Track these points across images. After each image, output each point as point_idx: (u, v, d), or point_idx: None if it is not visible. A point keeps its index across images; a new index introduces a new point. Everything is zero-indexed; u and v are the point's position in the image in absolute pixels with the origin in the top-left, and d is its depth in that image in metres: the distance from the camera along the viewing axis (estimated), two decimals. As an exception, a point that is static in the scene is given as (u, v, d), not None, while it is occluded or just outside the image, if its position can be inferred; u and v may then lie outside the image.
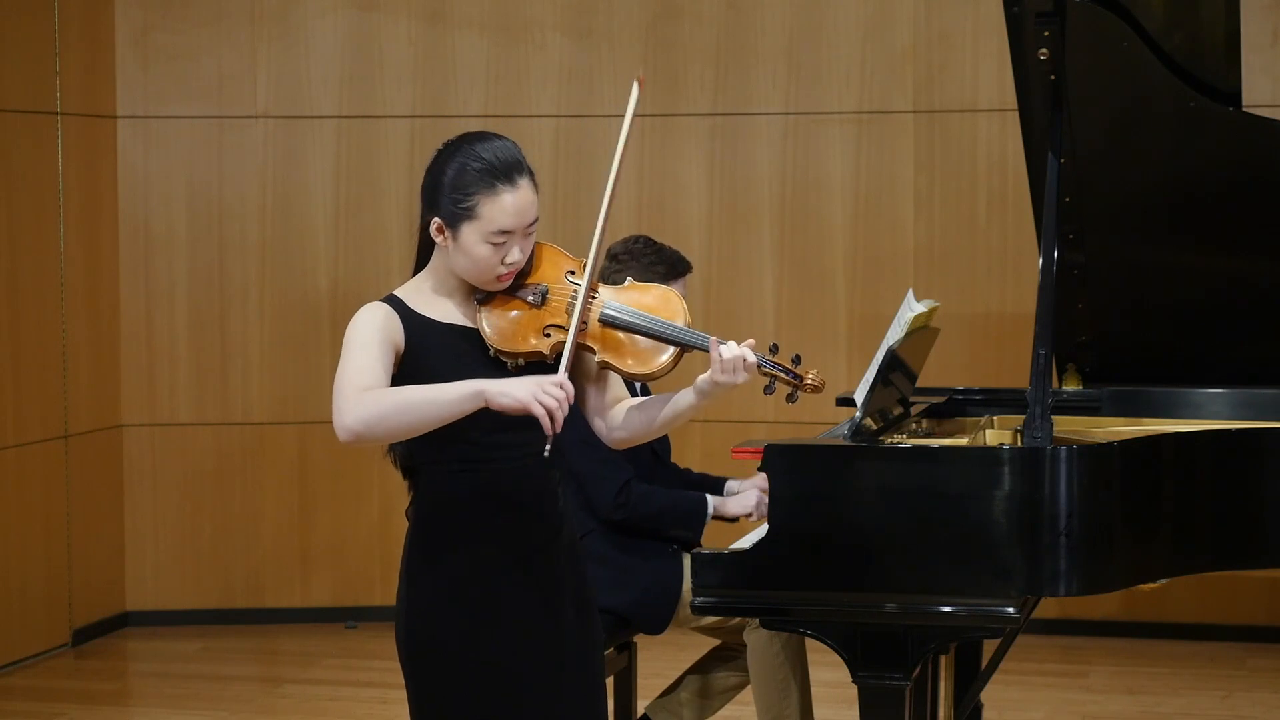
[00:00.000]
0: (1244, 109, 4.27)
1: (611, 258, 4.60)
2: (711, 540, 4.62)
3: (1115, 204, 4.39)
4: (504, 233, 3.09)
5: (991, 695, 5.39)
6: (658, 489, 4.63)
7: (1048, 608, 6.61)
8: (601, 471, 4.51)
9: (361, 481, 7.22)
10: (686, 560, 4.50)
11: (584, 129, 7.13)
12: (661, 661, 5.49)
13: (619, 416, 3.24)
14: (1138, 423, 4.43)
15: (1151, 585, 3.75)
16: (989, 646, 4.34)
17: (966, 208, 6.98)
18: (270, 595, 7.28)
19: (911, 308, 3.91)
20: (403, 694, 3.29)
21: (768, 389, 3.14)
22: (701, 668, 4.90)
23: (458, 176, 3.10)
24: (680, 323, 3.14)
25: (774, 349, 3.14)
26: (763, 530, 3.66)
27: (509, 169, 3.11)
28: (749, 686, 4.71)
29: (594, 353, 3.14)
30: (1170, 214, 4.44)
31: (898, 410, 4.14)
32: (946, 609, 3.49)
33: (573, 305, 3.12)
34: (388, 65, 7.18)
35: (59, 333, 6.83)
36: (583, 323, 3.11)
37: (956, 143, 6.97)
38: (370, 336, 3.08)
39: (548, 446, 3.00)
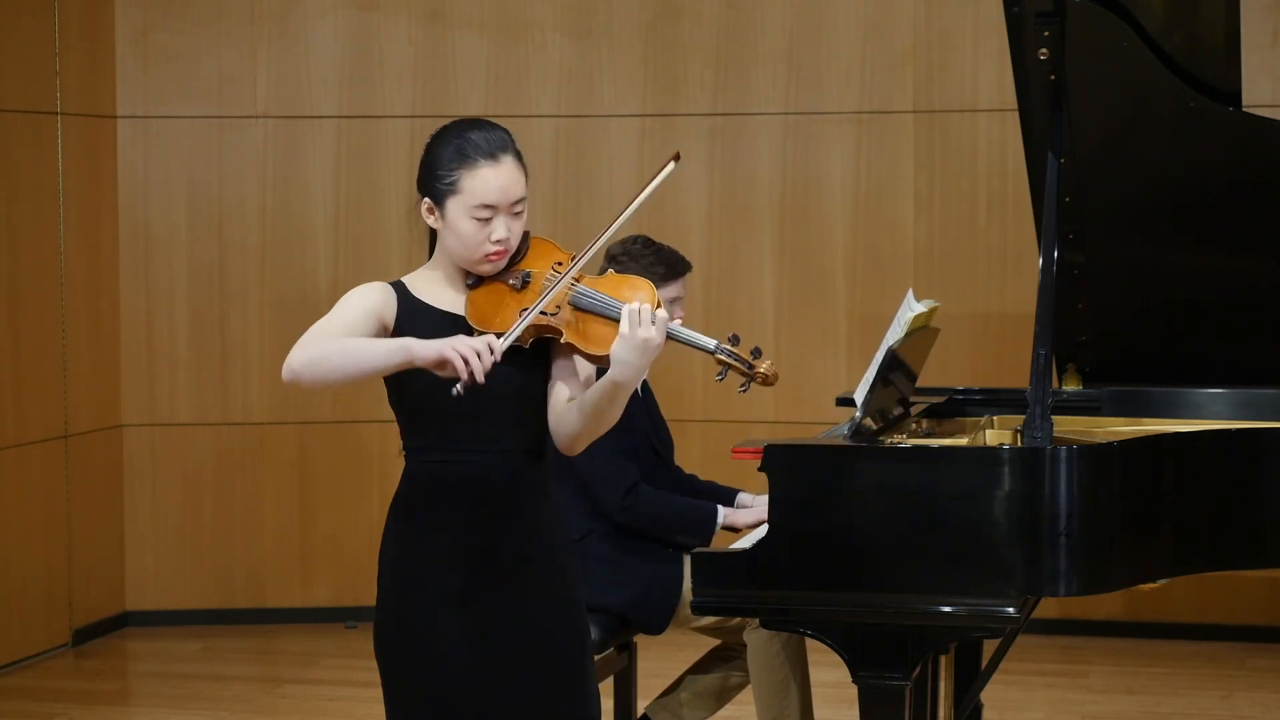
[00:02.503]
0: (1244, 109, 4.27)
1: (610, 259, 4.59)
2: (712, 542, 4.63)
3: (1115, 204, 4.39)
4: (487, 207, 3.14)
5: (991, 695, 5.39)
6: (666, 494, 4.63)
7: (1048, 608, 6.61)
8: (607, 473, 4.52)
9: (361, 481, 7.23)
10: (686, 560, 4.50)
11: (584, 129, 7.12)
12: (661, 661, 5.49)
13: (562, 416, 3.20)
14: (1138, 423, 4.43)
15: (1151, 585, 3.75)
16: (989, 646, 4.34)
17: (966, 208, 6.98)
18: (270, 595, 7.28)
19: (911, 308, 3.91)
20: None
21: (720, 375, 3.14)
22: (701, 668, 4.90)
23: (441, 155, 3.20)
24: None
25: (734, 339, 3.13)
26: (763, 530, 3.66)
27: (491, 146, 3.17)
28: (749, 686, 4.71)
29: (560, 334, 3.14)
30: (1170, 214, 4.44)
31: (898, 410, 4.14)
32: (946, 609, 3.49)
33: (548, 288, 3.14)
34: (388, 65, 7.19)
35: (59, 333, 6.83)
36: (556, 307, 3.13)
37: (956, 143, 6.97)
38: (356, 305, 3.15)
39: (457, 387, 2.98)
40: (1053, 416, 3.80)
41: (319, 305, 7.10)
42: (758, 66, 7.08)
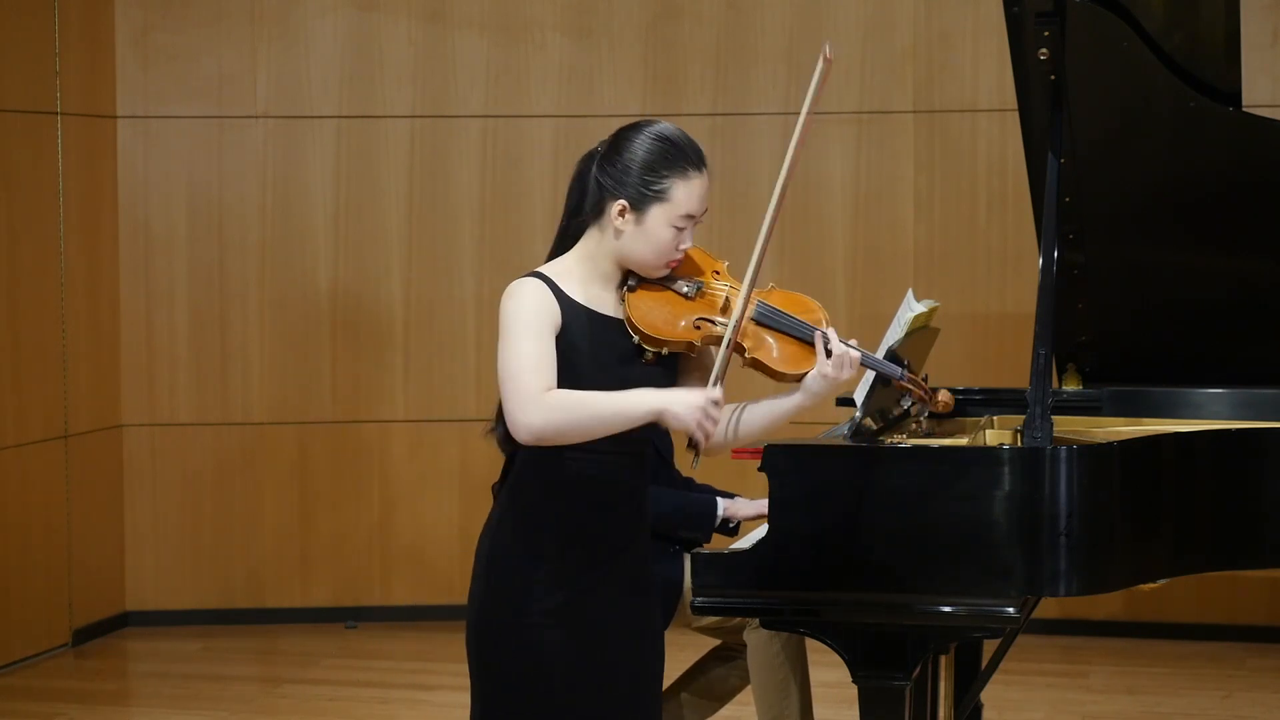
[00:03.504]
0: (1244, 109, 4.27)
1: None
2: (712, 541, 4.63)
3: (1115, 204, 4.39)
4: (689, 217, 3.11)
5: (991, 695, 5.39)
6: (666, 490, 4.63)
7: (1048, 608, 6.61)
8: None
9: (361, 481, 7.22)
10: (687, 560, 4.50)
11: (584, 129, 7.11)
12: (661, 661, 5.47)
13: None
14: (1138, 423, 4.43)
15: (1151, 585, 3.74)
16: (989, 646, 4.34)
17: (966, 208, 6.98)
18: (270, 595, 7.28)
19: (911, 308, 3.91)
20: (404, 694, 3.28)
21: (902, 399, 3.49)
22: (701, 668, 4.90)
23: (652, 160, 3.10)
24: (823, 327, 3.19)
25: (908, 365, 3.37)
26: (763, 530, 3.66)
27: (699, 155, 3.14)
28: (749, 686, 4.71)
29: (744, 351, 3.15)
30: (1170, 214, 4.44)
31: (898, 410, 4.14)
32: (946, 609, 3.49)
33: (729, 300, 3.13)
34: (388, 65, 7.18)
35: (59, 333, 6.83)
36: (738, 321, 3.12)
37: (956, 143, 6.97)
38: (538, 322, 3.06)
39: (695, 461, 3.08)
40: (1053, 416, 3.80)
41: (319, 305, 7.13)
42: (758, 66, 7.08)
